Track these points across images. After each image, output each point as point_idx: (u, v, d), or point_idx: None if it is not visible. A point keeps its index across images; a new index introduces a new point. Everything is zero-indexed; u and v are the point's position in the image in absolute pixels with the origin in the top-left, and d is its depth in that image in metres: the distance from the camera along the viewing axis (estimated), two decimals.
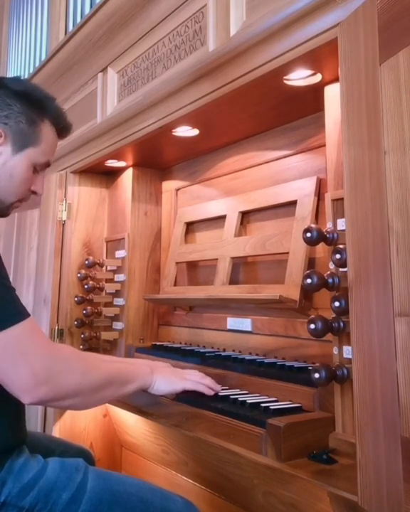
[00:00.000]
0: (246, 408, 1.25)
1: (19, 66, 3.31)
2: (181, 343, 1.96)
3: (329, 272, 1.13)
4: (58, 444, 1.43)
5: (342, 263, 1.06)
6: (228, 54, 1.38)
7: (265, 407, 1.22)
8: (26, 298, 2.33)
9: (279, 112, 1.57)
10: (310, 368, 1.12)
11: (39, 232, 2.36)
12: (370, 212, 0.91)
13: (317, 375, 1.07)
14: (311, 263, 1.47)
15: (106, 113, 2.09)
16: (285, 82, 1.36)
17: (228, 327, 1.74)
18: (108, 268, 2.20)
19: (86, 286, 2.14)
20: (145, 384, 1.27)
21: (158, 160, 2.11)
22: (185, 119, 1.64)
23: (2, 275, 1.03)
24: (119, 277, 2.13)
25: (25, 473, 1.07)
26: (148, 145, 1.90)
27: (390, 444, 0.84)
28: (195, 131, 1.76)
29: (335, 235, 1.13)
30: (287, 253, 1.51)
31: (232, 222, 1.79)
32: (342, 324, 1.10)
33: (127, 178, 2.20)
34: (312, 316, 1.12)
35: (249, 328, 1.66)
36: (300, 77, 1.33)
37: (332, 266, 1.14)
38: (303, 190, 1.54)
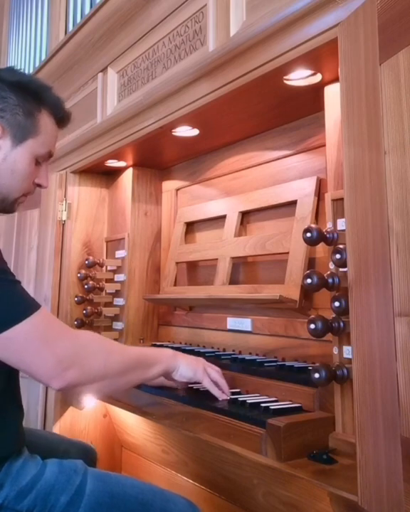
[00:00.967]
0: (246, 408, 1.25)
1: (19, 66, 3.30)
2: (181, 343, 1.96)
3: (329, 272, 1.13)
4: (60, 442, 1.42)
5: (342, 263, 1.06)
6: (228, 54, 1.38)
7: (265, 407, 1.22)
8: None
9: (279, 112, 1.57)
10: (310, 368, 1.12)
11: (39, 232, 2.36)
12: (370, 212, 0.91)
13: (317, 375, 1.07)
14: (311, 263, 1.47)
15: (106, 113, 2.09)
16: (285, 82, 1.36)
17: (228, 327, 1.74)
18: (108, 268, 2.20)
19: (86, 286, 2.14)
20: (169, 367, 1.27)
21: (158, 160, 2.11)
22: (185, 119, 1.64)
23: (5, 270, 1.03)
24: (119, 277, 2.13)
25: (23, 475, 1.06)
26: (148, 145, 1.90)
27: (390, 444, 0.84)
28: (195, 131, 1.76)
29: (335, 235, 1.13)
30: (287, 253, 1.51)
31: (232, 222, 1.79)
32: (342, 324, 1.10)
33: (127, 178, 2.20)
34: (312, 316, 1.12)
35: (249, 328, 1.66)
36: (300, 77, 1.33)
37: (332, 266, 1.14)
38: (303, 190, 1.54)
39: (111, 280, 2.17)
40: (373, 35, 0.93)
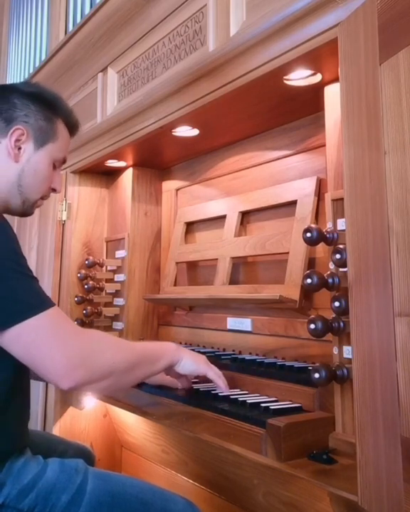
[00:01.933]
0: (246, 408, 1.25)
1: (19, 66, 3.31)
2: (181, 343, 1.96)
3: (329, 272, 1.13)
4: (58, 443, 1.43)
5: (342, 263, 1.06)
6: (228, 54, 1.38)
7: (265, 407, 1.22)
8: None
9: (279, 112, 1.57)
10: (310, 368, 1.12)
11: (39, 232, 2.37)
12: (370, 212, 0.91)
13: (317, 375, 1.07)
14: (311, 263, 1.47)
15: (106, 113, 2.09)
16: (285, 82, 1.36)
17: (228, 327, 1.74)
18: (108, 268, 2.20)
19: (86, 286, 2.14)
20: (173, 360, 1.28)
21: (158, 160, 2.11)
22: (185, 119, 1.64)
23: (23, 265, 1.05)
24: (119, 277, 2.13)
25: (24, 474, 1.06)
26: (148, 145, 1.90)
27: (390, 444, 0.84)
28: (195, 131, 1.76)
29: (335, 235, 1.13)
30: (287, 253, 1.52)
31: (232, 222, 1.79)
32: (342, 324, 1.10)
33: (127, 178, 2.20)
34: (312, 316, 1.12)
35: (249, 328, 1.66)
36: (299, 77, 1.33)
37: (332, 266, 1.14)
38: (303, 190, 1.54)
39: (111, 280, 2.17)
40: (373, 35, 0.93)
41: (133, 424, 1.96)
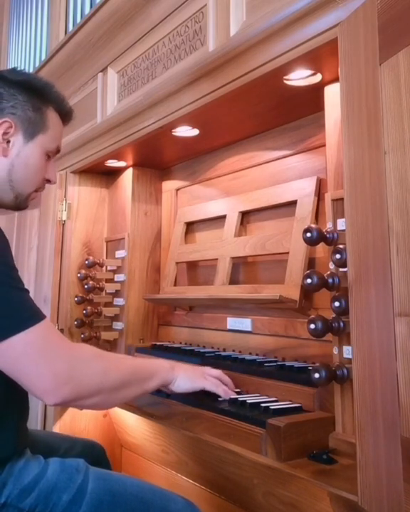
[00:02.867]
0: (246, 408, 1.25)
1: (19, 66, 3.30)
2: (181, 343, 1.96)
3: (329, 272, 1.13)
4: (63, 441, 1.42)
5: (342, 263, 1.06)
6: (228, 54, 1.38)
7: (265, 407, 1.22)
8: None
9: (279, 112, 1.57)
10: (310, 368, 1.12)
11: (39, 232, 2.36)
12: (370, 212, 0.91)
13: (317, 375, 1.07)
14: (311, 263, 1.47)
15: (106, 113, 2.09)
16: (285, 82, 1.36)
17: (228, 327, 1.74)
18: (108, 268, 2.20)
19: (86, 286, 2.14)
20: (166, 380, 1.26)
21: (158, 160, 2.11)
22: (185, 119, 1.64)
23: (15, 278, 1.03)
24: (119, 277, 2.13)
25: (25, 474, 1.07)
26: (148, 145, 1.90)
27: (390, 444, 0.84)
28: (195, 131, 1.76)
29: (335, 235, 1.13)
30: (287, 253, 1.51)
31: (232, 222, 1.79)
32: (342, 324, 1.10)
33: (127, 178, 2.20)
34: (312, 316, 1.12)
35: (249, 328, 1.66)
36: (300, 77, 1.33)
37: (332, 266, 1.14)
38: (303, 190, 1.53)
39: (111, 280, 2.17)
40: (373, 35, 0.93)
41: (133, 424, 1.96)
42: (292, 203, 1.56)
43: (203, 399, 1.35)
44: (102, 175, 2.33)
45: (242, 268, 1.77)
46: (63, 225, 2.26)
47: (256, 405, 1.24)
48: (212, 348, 1.79)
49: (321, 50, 1.18)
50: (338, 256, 1.07)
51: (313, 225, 1.14)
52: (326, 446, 1.12)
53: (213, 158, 1.96)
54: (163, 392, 1.44)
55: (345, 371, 1.07)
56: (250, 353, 1.64)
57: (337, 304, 1.08)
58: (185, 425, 1.35)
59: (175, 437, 1.67)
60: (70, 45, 2.31)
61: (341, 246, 1.07)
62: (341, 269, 1.11)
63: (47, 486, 1.06)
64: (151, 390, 1.24)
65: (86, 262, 2.18)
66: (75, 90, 2.34)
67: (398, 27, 0.87)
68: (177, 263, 2.01)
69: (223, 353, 1.67)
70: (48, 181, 1.28)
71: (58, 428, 2.09)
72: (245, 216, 1.79)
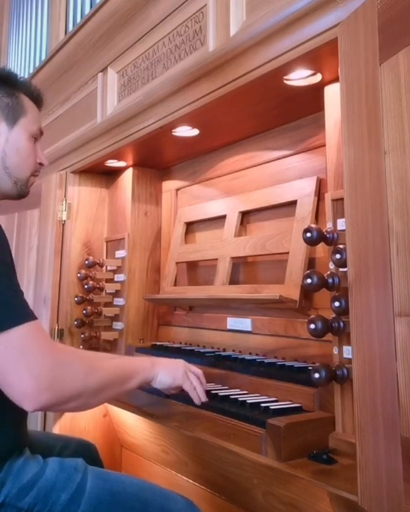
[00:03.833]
0: (246, 408, 1.25)
1: (19, 66, 3.31)
2: (181, 343, 1.96)
3: (329, 272, 1.13)
4: (57, 440, 1.42)
5: (342, 263, 1.06)
6: (228, 54, 1.38)
7: (265, 407, 1.22)
8: (26, 298, 2.33)
9: (279, 112, 1.57)
10: (310, 368, 1.12)
11: (39, 232, 2.36)
12: (370, 212, 0.91)
13: (317, 375, 1.07)
14: (311, 263, 1.47)
15: (106, 113, 2.09)
16: (285, 82, 1.36)
17: (228, 327, 1.74)
18: (108, 268, 2.20)
19: (86, 286, 2.14)
20: (147, 378, 1.25)
21: (158, 160, 2.11)
22: (185, 119, 1.64)
23: (10, 277, 1.03)
24: (119, 277, 2.13)
25: (24, 473, 1.06)
26: (148, 145, 1.90)
27: (390, 444, 0.84)
28: (195, 131, 1.76)
29: (335, 235, 1.13)
30: (287, 253, 1.51)
31: (232, 222, 1.79)
32: (342, 324, 1.10)
33: (127, 178, 2.20)
34: (312, 316, 1.12)
35: (249, 328, 1.66)
36: (300, 77, 1.33)
37: (332, 266, 1.14)
38: (303, 190, 1.53)
39: (111, 280, 2.17)
40: (373, 35, 0.93)
41: (133, 424, 1.96)
42: (292, 203, 1.56)
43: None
44: (102, 175, 2.33)
45: (242, 268, 1.77)
46: (63, 225, 2.26)
47: (256, 405, 1.24)
48: (212, 348, 1.79)
49: (321, 50, 1.18)
50: (338, 256, 1.07)
51: (313, 225, 1.14)
52: (326, 446, 1.12)
53: (213, 158, 1.96)
54: (162, 393, 1.45)
55: (345, 371, 1.07)
56: (250, 353, 1.64)
57: (337, 304, 1.08)
58: (185, 425, 1.35)
59: (175, 437, 1.67)
60: (70, 45, 2.31)
61: (341, 246, 1.07)
62: (341, 269, 1.11)
63: (46, 485, 1.06)
64: (132, 389, 1.22)
65: (86, 262, 2.18)
66: (75, 90, 2.34)
67: (398, 27, 0.87)
68: (177, 263, 2.01)
69: (223, 353, 1.67)
70: (41, 164, 1.30)
71: (57, 428, 2.09)
72: (245, 216, 1.79)
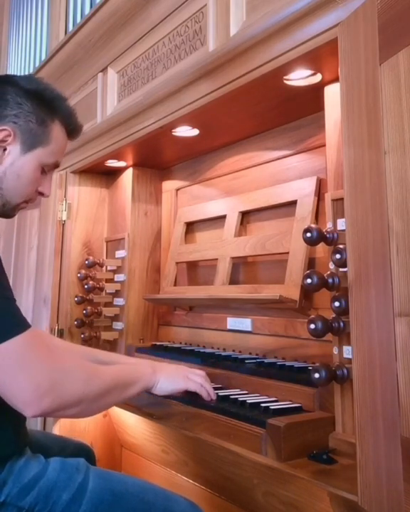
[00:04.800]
0: (246, 408, 1.25)
1: (19, 66, 3.31)
2: (181, 343, 1.96)
3: (329, 272, 1.13)
4: (56, 441, 1.42)
5: (342, 263, 1.06)
6: (228, 54, 1.38)
7: (265, 407, 1.22)
8: (26, 298, 2.33)
9: (279, 112, 1.57)
10: (310, 368, 1.12)
11: (39, 232, 2.36)
12: (370, 212, 0.91)
13: (317, 375, 1.07)
14: (311, 263, 1.47)
15: (106, 113, 2.09)
16: (285, 82, 1.36)
17: (228, 327, 1.74)
18: (108, 268, 2.20)
19: (86, 286, 2.14)
20: (148, 385, 1.26)
21: (158, 160, 2.11)
22: (185, 119, 1.64)
23: (4, 286, 1.01)
24: (119, 277, 2.13)
25: (25, 473, 1.06)
26: (148, 145, 1.90)
27: (390, 444, 0.84)
28: (195, 131, 1.76)
29: (335, 235, 1.13)
30: (287, 253, 1.51)
31: (232, 222, 1.79)
32: (342, 324, 1.10)
33: (127, 178, 2.20)
34: (312, 316, 1.12)
35: (249, 328, 1.66)
36: (300, 77, 1.33)
37: (332, 266, 1.14)
38: (303, 190, 1.54)
39: (111, 280, 2.17)
40: (373, 35, 0.93)
41: (133, 424, 1.96)
42: (292, 203, 1.56)
43: (203, 399, 1.35)
44: (102, 175, 2.34)
45: (242, 268, 1.77)
46: (63, 225, 2.26)
47: (256, 405, 1.24)
48: (212, 348, 1.79)
49: (321, 50, 1.18)
50: (338, 256, 1.07)
51: (313, 225, 1.14)
52: (326, 446, 1.12)
53: (213, 158, 1.96)
54: None
55: (345, 371, 1.07)
56: (250, 353, 1.64)
57: (337, 303, 1.08)
58: (185, 425, 1.35)
59: (175, 437, 1.67)
60: (70, 45, 2.31)
61: (341, 246, 1.07)
62: (341, 269, 1.11)
63: (47, 484, 1.06)
64: (132, 397, 1.23)
65: (86, 262, 2.18)
66: (75, 90, 2.34)
67: (398, 27, 0.87)
68: (177, 263, 2.01)
69: (223, 353, 1.67)
70: (41, 194, 1.25)
71: (58, 428, 2.09)
72: (245, 216, 1.79)
